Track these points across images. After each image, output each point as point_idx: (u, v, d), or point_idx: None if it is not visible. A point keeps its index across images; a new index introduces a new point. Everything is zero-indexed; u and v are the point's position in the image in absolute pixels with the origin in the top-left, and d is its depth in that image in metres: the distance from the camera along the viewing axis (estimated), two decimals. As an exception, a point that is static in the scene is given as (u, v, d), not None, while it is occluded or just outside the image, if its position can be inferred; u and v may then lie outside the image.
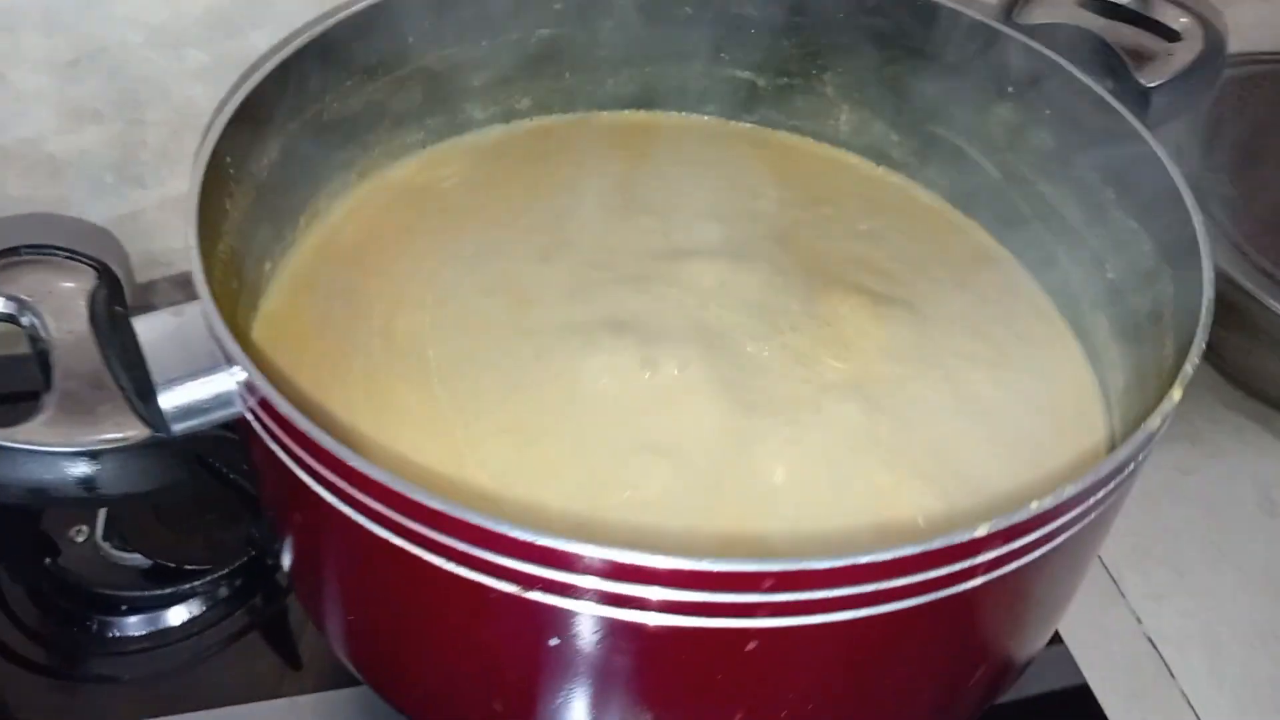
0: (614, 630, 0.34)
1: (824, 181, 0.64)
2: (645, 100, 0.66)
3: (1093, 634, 0.61)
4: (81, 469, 0.35)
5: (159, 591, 0.57)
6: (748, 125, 0.67)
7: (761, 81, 0.65)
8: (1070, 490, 0.35)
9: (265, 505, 0.43)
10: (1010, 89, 0.57)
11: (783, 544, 0.44)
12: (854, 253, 0.58)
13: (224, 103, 0.46)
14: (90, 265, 0.39)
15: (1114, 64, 0.54)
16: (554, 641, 0.35)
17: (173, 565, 0.58)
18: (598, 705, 0.38)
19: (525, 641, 0.36)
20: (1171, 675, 0.60)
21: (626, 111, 0.66)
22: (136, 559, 0.58)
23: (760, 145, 0.66)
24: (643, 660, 0.35)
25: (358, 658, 0.45)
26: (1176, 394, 0.38)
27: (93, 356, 0.36)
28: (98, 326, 0.37)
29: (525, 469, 0.45)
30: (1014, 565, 0.36)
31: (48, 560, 0.58)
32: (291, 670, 0.55)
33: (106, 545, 0.59)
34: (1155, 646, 0.62)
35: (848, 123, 0.64)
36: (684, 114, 0.67)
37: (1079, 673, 0.58)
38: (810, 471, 0.46)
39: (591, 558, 0.32)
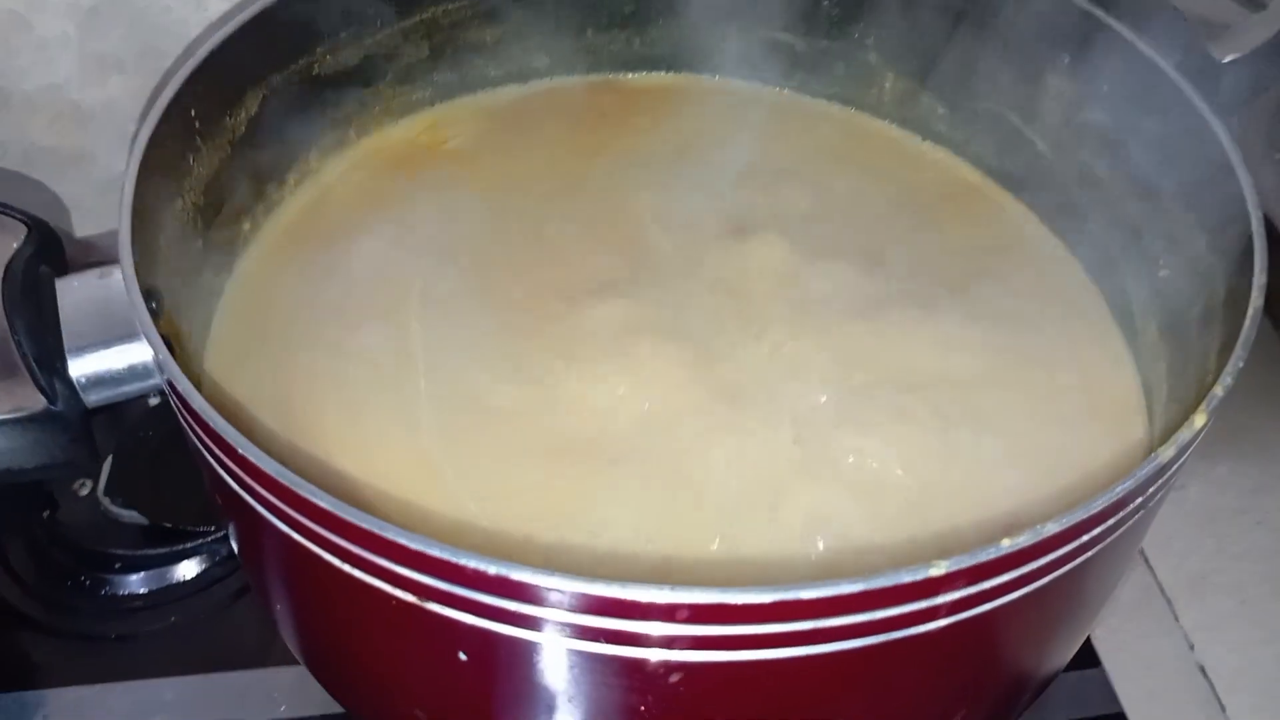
0: (521, 649, 0.31)
1: (861, 156, 0.59)
2: (673, 62, 0.61)
3: (1137, 660, 0.56)
4: (-44, 442, 0.32)
5: (155, 550, 0.56)
6: (785, 92, 0.62)
7: (800, 45, 0.60)
8: (1051, 528, 0.30)
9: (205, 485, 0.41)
10: (1066, 59, 0.51)
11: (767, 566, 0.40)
12: (891, 236, 0.53)
13: (188, 52, 0.44)
14: (21, 221, 0.37)
15: (1183, 34, 0.48)
16: (462, 655, 0.32)
17: (170, 525, 0.57)
18: (519, 724, 0.35)
19: (435, 653, 0.33)
20: (1222, 709, 0.55)
21: (653, 74, 0.62)
22: (137, 516, 0.57)
23: (796, 115, 0.61)
24: (557, 683, 0.32)
25: (296, 647, 0.42)
26: (1199, 420, 0.33)
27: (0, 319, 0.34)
28: (9, 287, 0.34)
29: (485, 473, 0.42)
30: (986, 607, 0.31)
31: (46, 514, 0.57)
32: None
33: (108, 501, 0.58)
34: (1207, 678, 0.56)
35: (891, 93, 0.59)
36: (715, 78, 0.62)
37: (1116, 701, 0.53)
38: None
39: (482, 571, 0.28)
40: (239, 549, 0.41)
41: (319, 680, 0.44)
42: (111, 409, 0.38)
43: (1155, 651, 0.56)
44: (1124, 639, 0.55)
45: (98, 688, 0.50)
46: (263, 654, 0.52)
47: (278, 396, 0.45)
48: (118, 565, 0.55)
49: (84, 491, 0.57)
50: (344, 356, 0.47)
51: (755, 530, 0.40)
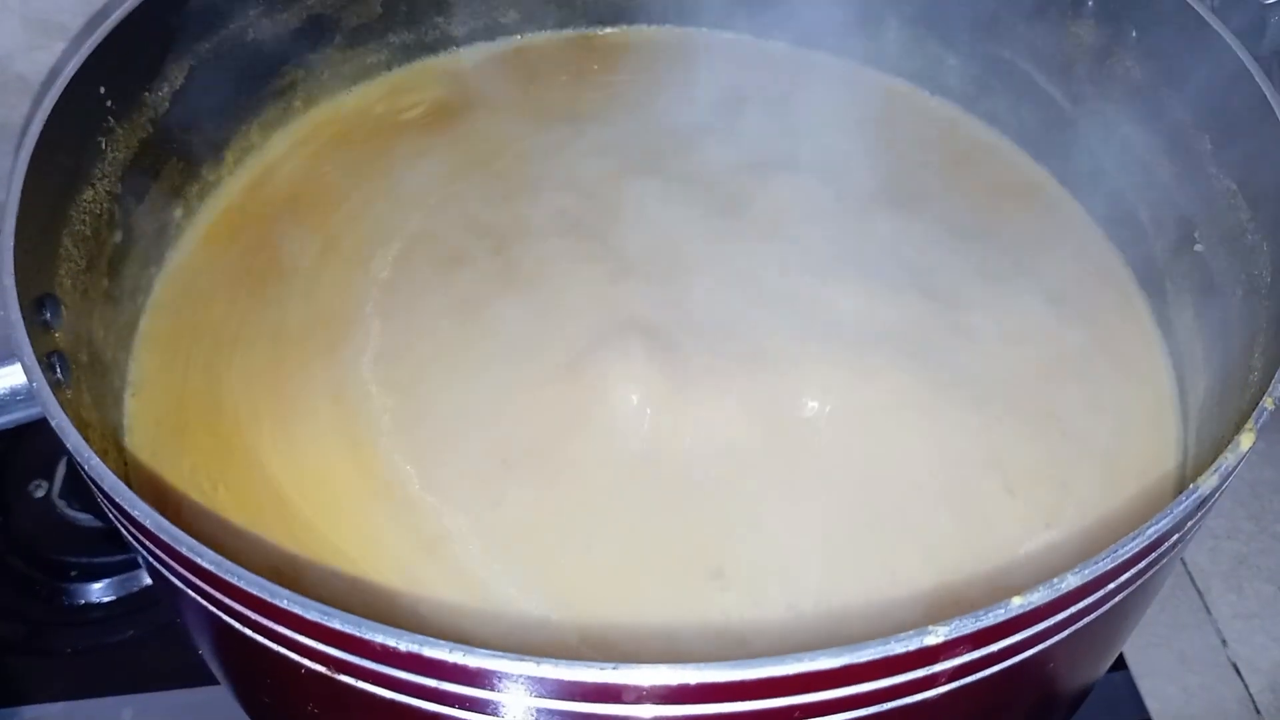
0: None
1: (866, 114, 0.53)
2: (657, 14, 0.56)
3: (1165, 658, 0.52)
4: None
5: (114, 557, 0.52)
6: (779, 45, 0.56)
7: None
8: (1071, 581, 0.25)
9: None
10: (1090, 3, 0.45)
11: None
12: (891, 202, 0.48)
13: (94, 20, 0.39)
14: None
15: (1225, -28, 0.42)
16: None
17: (128, 529, 0.53)
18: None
19: (357, 722, 0.29)
20: (1257, 712, 0.51)
21: (635, 28, 0.56)
22: (94, 520, 0.53)
23: (792, 70, 0.55)
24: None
25: (226, 688, 0.38)
26: (1245, 441, 0.28)
27: None
28: None
29: (440, 489, 0.38)
30: (995, 669, 0.26)
31: (-2, 518, 0.54)
32: None
33: (63, 504, 0.54)
34: (1241, 676, 0.52)
35: (896, 42, 0.54)
36: (704, 30, 0.57)
37: (1141, 704, 0.49)
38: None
39: (392, 648, 0.24)
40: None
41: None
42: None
43: (1185, 649, 0.52)
44: (1151, 637, 0.52)
45: (53, 706, 0.48)
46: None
47: (210, 407, 0.41)
48: (74, 573, 0.52)
49: (39, 494, 0.54)
50: (286, 356, 0.42)
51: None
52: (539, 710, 0.25)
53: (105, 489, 0.27)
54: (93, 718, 0.47)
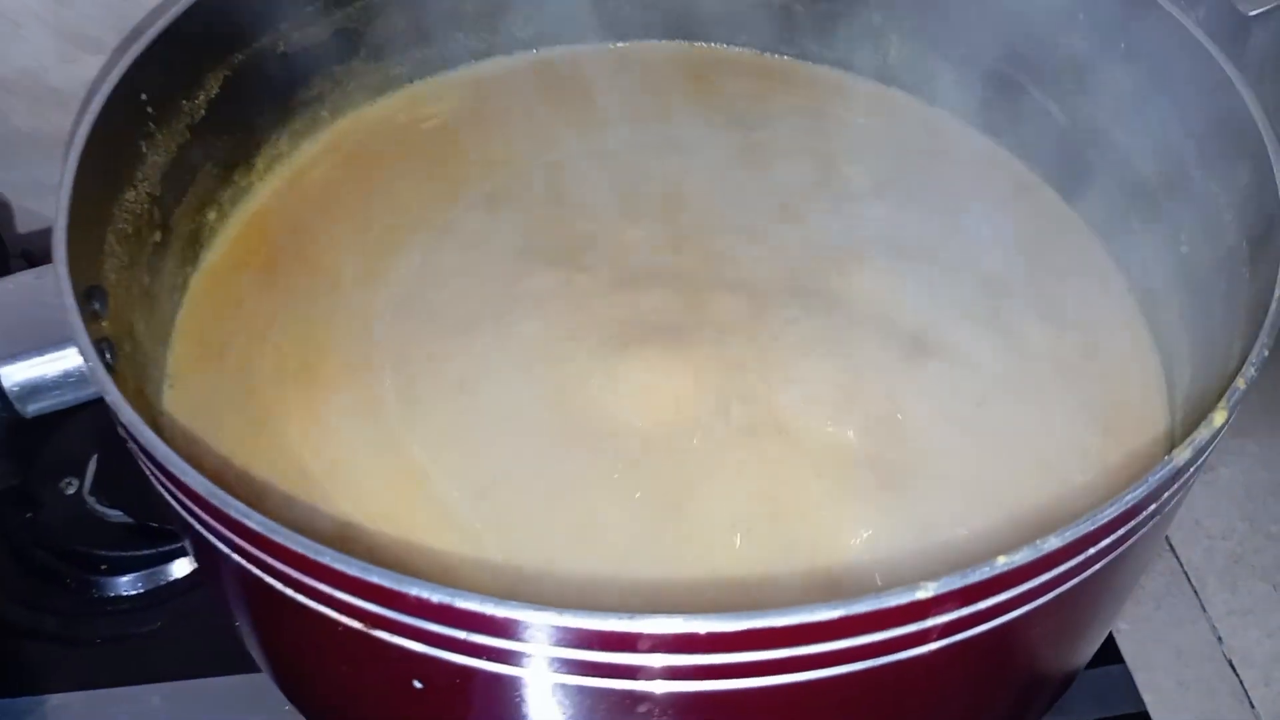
0: (476, 679, 0.29)
1: (867, 126, 0.55)
2: (666, 29, 0.58)
3: (1161, 652, 0.53)
4: None
5: (142, 551, 0.54)
6: (784, 58, 0.58)
7: (799, 7, 0.56)
8: (1052, 542, 0.27)
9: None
10: (1082, 16, 0.47)
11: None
12: (895, 216, 0.50)
13: (138, 31, 0.41)
14: (-47, 219, 0.34)
15: (1208, -13, 0.44)
16: (417, 684, 0.30)
17: (156, 525, 0.55)
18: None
19: (388, 680, 0.31)
20: (1251, 706, 0.52)
21: (646, 42, 0.59)
22: (123, 516, 0.55)
23: (796, 82, 0.58)
24: (516, 711, 0.30)
25: (260, 661, 0.40)
26: (1218, 417, 0.30)
27: (-75, 325, 0.32)
28: (-65, 290, 0.32)
29: (462, 474, 0.40)
30: (983, 627, 0.28)
31: (28, 514, 0.56)
32: None
33: (93, 500, 0.56)
34: (1235, 671, 0.53)
35: (897, 56, 0.56)
36: (712, 45, 0.59)
37: (1138, 698, 0.50)
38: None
39: (425, 599, 0.26)
40: (195, 560, 0.39)
41: (288, 698, 0.42)
42: (92, 407, 0.36)
43: (1181, 644, 0.54)
44: (1147, 632, 0.53)
45: (83, 694, 0.49)
46: (253, 658, 0.50)
47: (243, 398, 0.43)
48: (104, 566, 0.53)
49: (69, 491, 0.55)
50: (317, 352, 0.44)
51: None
52: (556, 659, 0.27)
53: (159, 460, 0.29)
54: (123, 705, 0.49)
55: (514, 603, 0.25)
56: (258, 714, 0.48)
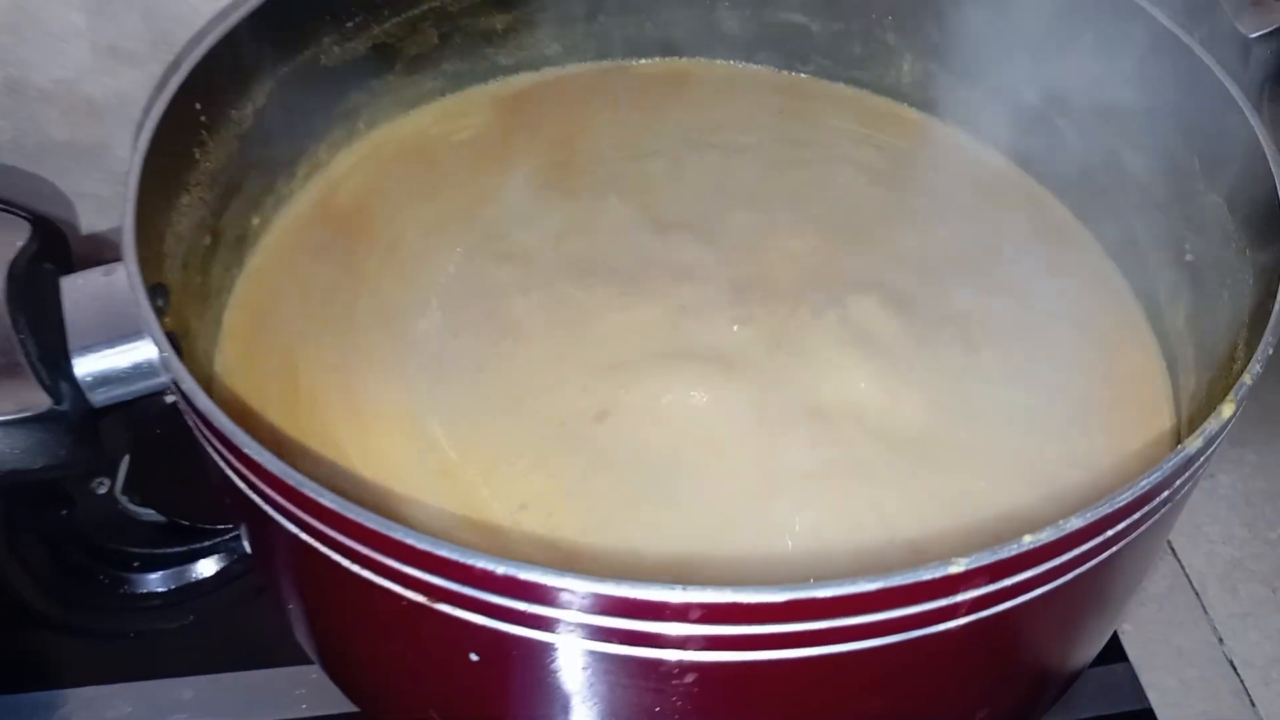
0: (533, 650, 0.30)
1: (881, 141, 0.58)
2: (688, 47, 0.61)
3: (1164, 652, 0.55)
4: (-37, 442, 0.32)
5: (173, 549, 0.55)
6: (802, 76, 0.61)
7: (816, 27, 0.59)
8: (1074, 523, 0.29)
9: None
10: (1089, 36, 0.50)
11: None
12: (911, 222, 0.52)
13: (193, 44, 0.43)
14: (24, 218, 0.36)
15: (1211, 8, 0.47)
16: (474, 656, 0.32)
17: (187, 523, 0.57)
18: (534, 725, 0.34)
19: (446, 653, 0.32)
20: (1252, 704, 0.54)
21: (667, 59, 0.61)
22: (155, 515, 0.57)
23: (813, 99, 0.60)
24: (569, 682, 0.31)
25: (311, 648, 0.42)
26: (1227, 410, 0.32)
27: (3, 319, 0.33)
28: (13, 286, 0.34)
29: (498, 468, 0.42)
30: (1008, 604, 0.30)
31: (63, 512, 0.57)
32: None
33: (125, 499, 0.57)
34: (1236, 671, 0.55)
35: (910, 74, 0.58)
36: (731, 63, 0.61)
37: (1143, 695, 0.52)
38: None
39: (491, 572, 0.28)
40: (250, 548, 0.41)
41: (334, 681, 0.43)
42: (126, 407, 0.38)
43: (1183, 645, 0.55)
44: (1151, 633, 0.55)
45: (116, 687, 0.50)
46: (282, 652, 0.51)
47: (287, 392, 0.45)
48: (135, 564, 0.55)
49: (101, 490, 0.57)
50: (355, 351, 0.46)
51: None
52: (606, 629, 0.29)
53: (236, 444, 0.30)
54: (155, 697, 0.50)
55: (575, 574, 0.27)
56: (285, 706, 0.49)
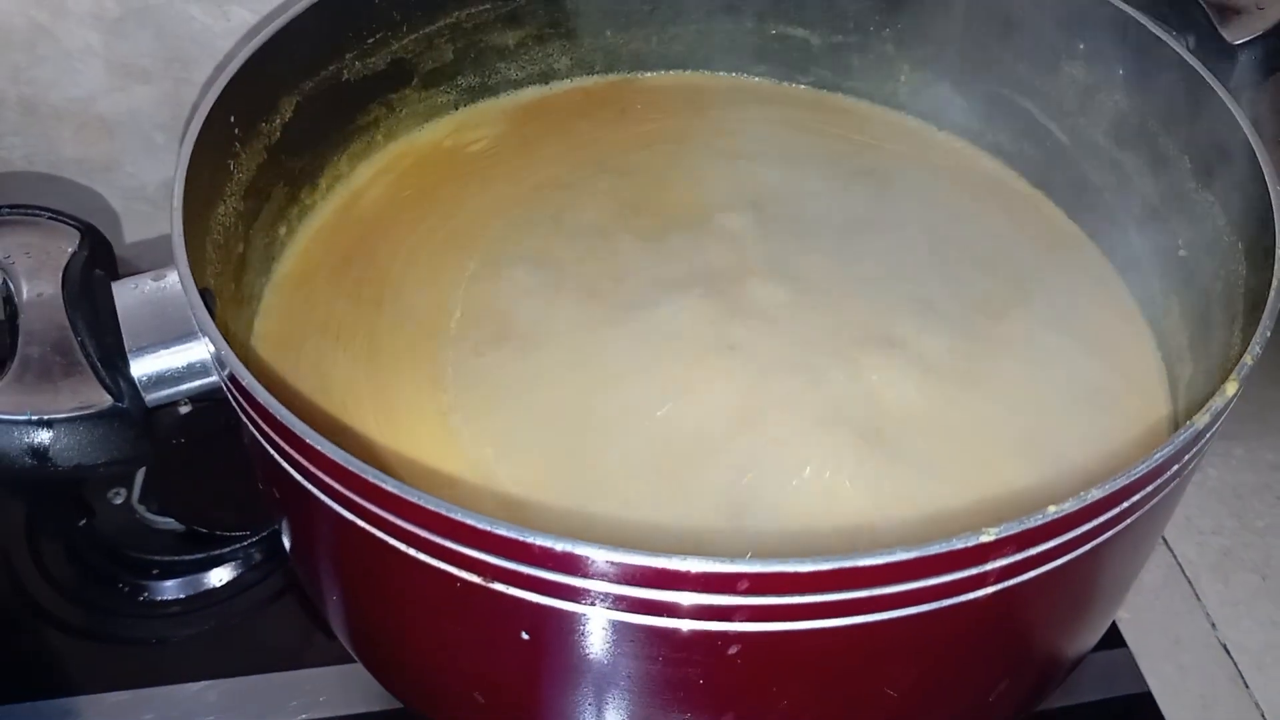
0: (584, 626, 0.32)
1: (880, 148, 0.60)
2: (692, 60, 0.63)
3: (1161, 639, 0.57)
4: (34, 438, 0.33)
5: (190, 557, 0.56)
6: (801, 87, 0.63)
7: (816, 40, 0.61)
8: (1095, 494, 0.31)
9: (258, 480, 0.42)
10: (1082, 46, 0.52)
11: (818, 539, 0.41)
12: (905, 225, 0.54)
13: (227, 59, 0.44)
14: (74, 227, 0.38)
15: (1197, 18, 0.49)
16: (524, 635, 0.33)
17: (205, 531, 0.58)
18: (578, 702, 0.35)
19: (497, 633, 0.34)
20: (1246, 687, 0.55)
21: (672, 73, 0.63)
22: (172, 523, 0.58)
23: (813, 109, 0.62)
24: (618, 658, 0.33)
25: (349, 639, 0.43)
26: (1231, 388, 0.34)
27: (62, 321, 0.35)
28: (69, 290, 0.35)
29: (521, 460, 0.43)
30: (1031, 574, 0.32)
31: (82, 521, 0.58)
32: (325, 635, 0.54)
33: (142, 509, 0.58)
34: (1230, 656, 0.57)
35: (908, 84, 0.60)
36: (733, 75, 0.63)
37: (1142, 680, 0.54)
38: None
39: (549, 549, 0.29)
40: (291, 543, 0.42)
41: (371, 671, 0.45)
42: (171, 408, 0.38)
43: (1179, 633, 0.57)
44: (1148, 621, 0.56)
45: (138, 693, 0.51)
46: (301, 655, 0.52)
47: (321, 390, 0.46)
48: (155, 571, 0.55)
49: (118, 500, 0.58)
50: (381, 354, 0.48)
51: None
52: (651, 602, 0.30)
53: (296, 434, 0.32)
54: (177, 702, 0.51)
55: (630, 549, 0.29)
56: (307, 708, 0.50)
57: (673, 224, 0.54)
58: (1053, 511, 0.30)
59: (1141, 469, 0.32)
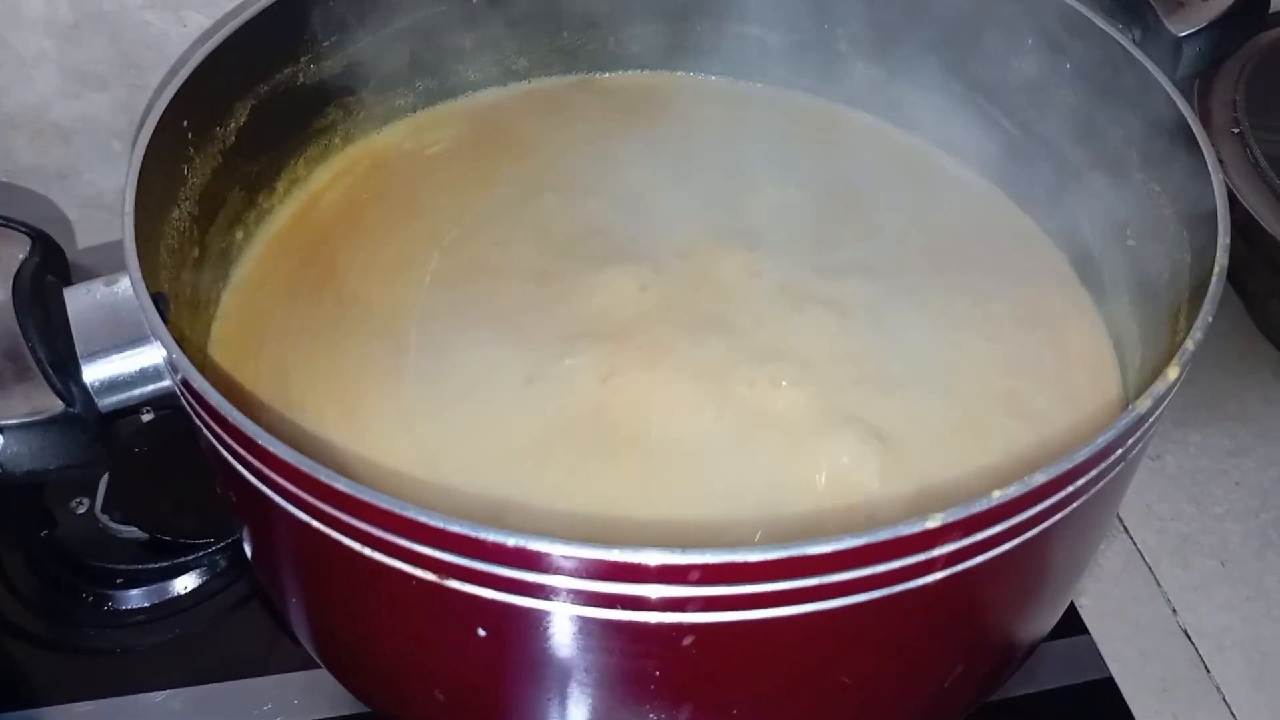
0: (540, 622, 0.32)
1: (834, 143, 0.60)
2: (649, 61, 0.63)
3: (1122, 625, 0.57)
4: (-17, 444, 0.33)
5: (154, 565, 0.56)
6: (757, 85, 0.63)
7: (771, 39, 0.61)
8: (1039, 478, 0.31)
9: (216, 485, 0.42)
10: (1030, 41, 0.53)
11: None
12: (862, 218, 0.55)
13: (180, 63, 0.44)
14: (25, 233, 0.37)
15: (1143, 11, 0.50)
16: (481, 631, 0.33)
17: (168, 539, 0.57)
18: (538, 698, 0.36)
19: (454, 631, 0.34)
20: (1207, 671, 0.56)
21: (629, 73, 0.63)
22: (135, 532, 0.58)
23: (769, 106, 0.62)
24: (575, 653, 0.33)
25: (312, 643, 0.43)
26: (1172, 373, 0.35)
27: (13, 327, 0.35)
28: (19, 296, 0.35)
29: (478, 457, 0.44)
30: (979, 559, 0.32)
31: (44, 532, 0.58)
32: (290, 641, 0.54)
33: (105, 518, 0.58)
34: (1191, 640, 0.57)
35: (861, 81, 0.61)
36: (690, 74, 0.64)
37: (1104, 665, 0.54)
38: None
39: (502, 544, 0.30)
40: (251, 548, 0.42)
41: (335, 674, 0.45)
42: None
43: (1139, 617, 0.57)
44: (1109, 607, 0.57)
45: (103, 703, 0.51)
46: (267, 661, 0.52)
47: (281, 394, 0.46)
48: (118, 580, 0.55)
49: (81, 510, 0.58)
50: (341, 356, 0.48)
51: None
52: (605, 595, 0.31)
53: (249, 436, 0.32)
54: (144, 710, 0.51)
55: (581, 542, 0.29)
56: (272, 714, 0.50)
57: (635, 225, 0.54)
58: (997, 496, 0.31)
59: (1085, 453, 0.32)
